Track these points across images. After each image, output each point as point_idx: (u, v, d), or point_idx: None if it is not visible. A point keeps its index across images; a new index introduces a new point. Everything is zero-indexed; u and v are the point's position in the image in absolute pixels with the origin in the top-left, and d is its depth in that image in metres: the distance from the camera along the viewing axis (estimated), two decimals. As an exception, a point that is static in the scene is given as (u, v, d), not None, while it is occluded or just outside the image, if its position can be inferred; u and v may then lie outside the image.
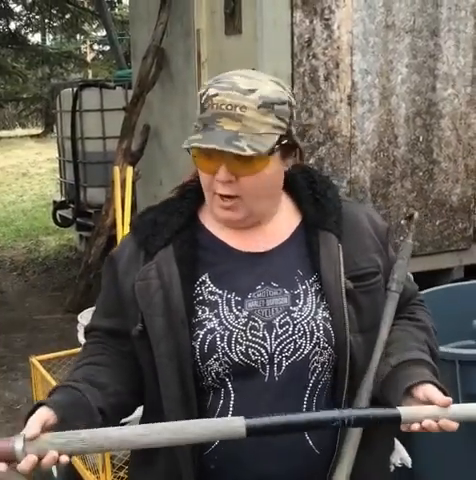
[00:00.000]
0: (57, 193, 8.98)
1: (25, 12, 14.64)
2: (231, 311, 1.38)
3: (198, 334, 1.37)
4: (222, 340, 1.36)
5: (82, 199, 6.79)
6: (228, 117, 1.33)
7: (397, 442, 1.62)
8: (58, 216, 7.49)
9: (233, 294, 1.40)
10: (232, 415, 1.36)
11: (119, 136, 5.44)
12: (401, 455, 1.61)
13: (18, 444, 1.18)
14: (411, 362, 1.39)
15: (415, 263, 3.83)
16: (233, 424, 1.24)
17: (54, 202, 7.90)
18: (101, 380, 1.40)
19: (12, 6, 13.65)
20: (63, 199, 7.49)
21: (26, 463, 1.18)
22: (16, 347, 5.45)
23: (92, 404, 1.33)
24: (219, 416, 1.37)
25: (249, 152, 1.31)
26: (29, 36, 16.81)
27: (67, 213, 7.24)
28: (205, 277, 1.42)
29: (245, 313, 1.38)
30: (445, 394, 1.30)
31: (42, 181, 14.21)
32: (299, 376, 1.38)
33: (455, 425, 1.27)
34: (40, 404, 1.29)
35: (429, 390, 1.31)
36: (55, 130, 9.10)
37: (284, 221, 1.48)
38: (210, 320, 1.38)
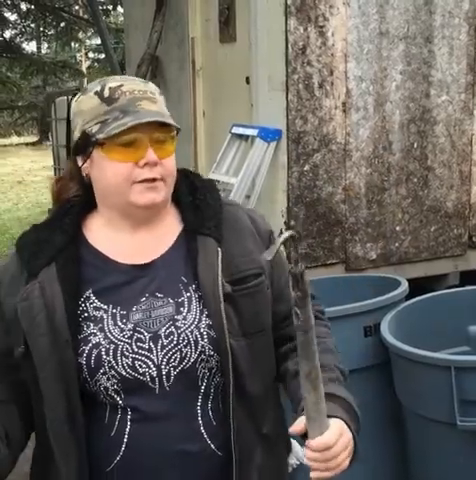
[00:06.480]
0: (52, 201, 8.94)
1: (20, 21, 14.62)
2: (116, 325, 1.37)
3: (84, 350, 1.35)
4: (107, 354, 1.34)
5: (77, 207, 6.77)
6: (146, 99, 1.36)
7: (294, 443, 1.61)
8: (53, 224, 7.47)
9: (118, 308, 1.38)
10: (131, 427, 1.36)
11: (114, 144, 5.43)
12: (298, 455, 1.59)
13: None
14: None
15: (411, 269, 3.84)
16: None
17: (49, 210, 7.88)
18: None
19: (7, 15, 13.64)
20: (58, 207, 7.48)
21: None
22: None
23: None
24: (118, 430, 1.37)
25: (177, 126, 1.38)
26: (24, 45, 16.84)
27: (62, 221, 7.22)
28: (89, 293, 1.39)
29: (130, 326, 1.36)
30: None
31: (37, 189, 14.21)
32: (189, 384, 1.38)
33: None
34: None
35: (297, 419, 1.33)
36: (50, 138, 9.08)
37: (169, 228, 1.47)
38: (95, 335, 1.36)
